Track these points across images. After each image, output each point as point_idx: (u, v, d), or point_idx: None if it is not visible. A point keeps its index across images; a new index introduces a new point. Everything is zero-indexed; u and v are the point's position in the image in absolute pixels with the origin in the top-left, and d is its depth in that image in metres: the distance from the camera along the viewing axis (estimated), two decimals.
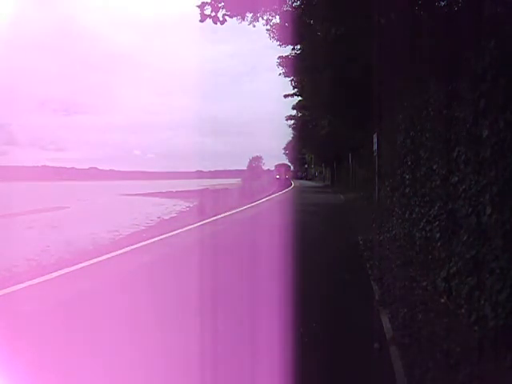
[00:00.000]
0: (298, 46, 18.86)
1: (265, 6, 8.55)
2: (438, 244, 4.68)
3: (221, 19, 6.53)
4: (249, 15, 6.87)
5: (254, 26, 10.66)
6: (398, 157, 7.63)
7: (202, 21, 6.53)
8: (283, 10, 13.32)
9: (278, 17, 14.23)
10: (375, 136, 11.22)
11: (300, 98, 33.68)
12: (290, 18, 14.10)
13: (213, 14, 6.46)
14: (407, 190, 6.78)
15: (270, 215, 12.88)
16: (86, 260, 5.78)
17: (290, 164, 69.91)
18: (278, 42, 17.56)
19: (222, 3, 6.34)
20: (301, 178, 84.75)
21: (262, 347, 2.98)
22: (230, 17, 6.56)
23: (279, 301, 3.85)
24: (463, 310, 3.45)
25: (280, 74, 22.77)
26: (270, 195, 22.75)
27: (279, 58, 22.07)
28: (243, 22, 8.31)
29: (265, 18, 10.88)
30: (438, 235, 4.74)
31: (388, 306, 3.93)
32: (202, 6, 6.41)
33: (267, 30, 16.02)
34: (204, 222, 10.36)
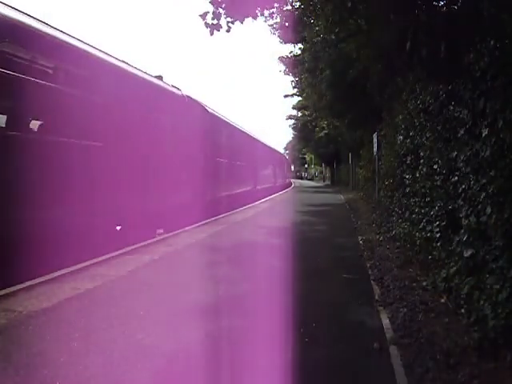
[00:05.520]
0: (299, 45, 18.93)
1: (266, 8, 8.51)
2: (438, 244, 4.68)
3: (225, 27, 6.44)
4: (249, 18, 6.81)
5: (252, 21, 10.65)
6: (397, 157, 7.64)
7: (207, 27, 6.46)
8: (284, 9, 13.37)
9: (278, 17, 14.29)
10: (375, 136, 11.23)
11: (300, 98, 33.82)
12: (290, 18, 14.14)
13: (215, 21, 6.40)
14: (407, 190, 6.79)
15: (270, 215, 12.87)
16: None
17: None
18: (279, 40, 17.68)
19: (223, 10, 6.28)
20: (301, 178, 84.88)
21: (262, 345, 2.98)
22: (233, 23, 6.50)
23: (279, 299, 3.86)
24: (463, 310, 3.46)
25: (280, 71, 23.01)
26: (270, 195, 22.74)
27: (279, 57, 22.20)
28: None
29: (266, 14, 10.81)
30: (437, 235, 4.75)
31: (388, 306, 3.93)
32: (203, 16, 6.36)
33: (269, 25, 16.12)
34: (205, 221, 10.35)
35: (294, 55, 20.17)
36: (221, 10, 6.17)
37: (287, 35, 16.80)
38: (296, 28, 14.84)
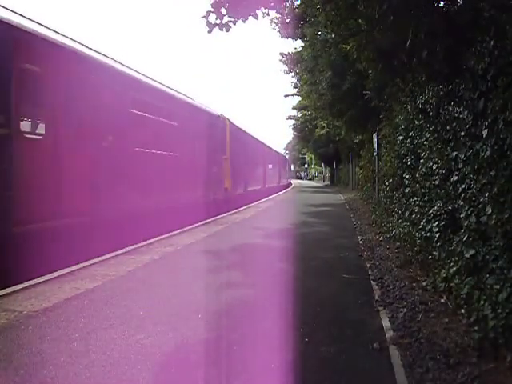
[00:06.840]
0: (299, 44, 18.98)
1: (267, 6, 8.44)
2: (438, 244, 4.68)
3: (226, 26, 6.42)
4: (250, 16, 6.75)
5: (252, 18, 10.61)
6: (397, 157, 7.65)
7: (209, 31, 6.42)
8: (284, 7, 13.38)
9: (278, 12, 14.32)
10: (375, 136, 11.23)
11: (300, 98, 33.85)
12: (291, 13, 14.14)
13: (218, 21, 6.36)
14: (407, 190, 6.79)
15: (269, 215, 12.88)
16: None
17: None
18: (279, 35, 17.70)
19: (225, 9, 6.25)
20: (300, 178, 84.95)
21: (262, 344, 2.98)
22: (234, 23, 6.47)
23: (279, 299, 3.86)
24: (463, 310, 3.46)
25: (280, 70, 23.15)
26: (270, 195, 22.76)
27: (280, 53, 22.24)
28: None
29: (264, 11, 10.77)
30: (437, 235, 4.75)
31: (388, 306, 3.93)
32: (207, 15, 6.33)
33: (269, 20, 16.17)
34: (206, 221, 10.36)
35: (295, 52, 20.17)
36: (223, 10, 6.16)
37: (287, 30, 16.82)
38: (296, 24, 14.87)
